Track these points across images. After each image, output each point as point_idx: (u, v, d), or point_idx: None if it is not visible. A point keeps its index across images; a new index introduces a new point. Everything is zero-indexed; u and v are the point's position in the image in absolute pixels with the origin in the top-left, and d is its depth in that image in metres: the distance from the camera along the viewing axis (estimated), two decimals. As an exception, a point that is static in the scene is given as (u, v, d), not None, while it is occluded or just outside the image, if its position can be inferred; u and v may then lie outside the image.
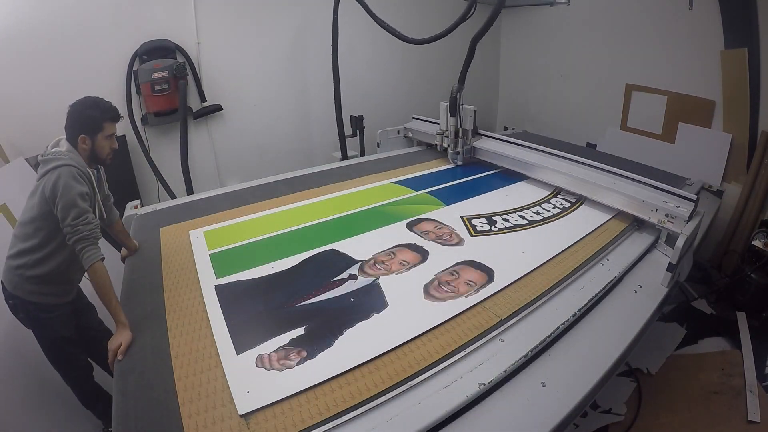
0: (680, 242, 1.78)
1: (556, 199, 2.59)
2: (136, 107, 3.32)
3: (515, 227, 2.24)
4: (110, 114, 1.78)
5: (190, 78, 3.45)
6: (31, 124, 2.81)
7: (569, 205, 2.51)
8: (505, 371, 1.33)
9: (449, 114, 3.13)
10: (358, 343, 1.44)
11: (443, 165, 3.26)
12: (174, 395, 1.25)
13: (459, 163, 3.20)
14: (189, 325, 1.55)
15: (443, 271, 1.87)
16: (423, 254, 2.01)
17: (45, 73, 2.89)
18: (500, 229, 2.22)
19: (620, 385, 2.39)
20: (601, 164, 2.54)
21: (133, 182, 3.44)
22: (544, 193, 2.69)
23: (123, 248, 2.13)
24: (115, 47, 3.14)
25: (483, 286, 1.75)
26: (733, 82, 3.18)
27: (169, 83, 3.25)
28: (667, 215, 2.08)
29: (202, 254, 2.04)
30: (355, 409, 1.20)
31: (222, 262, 1.96)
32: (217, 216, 2.44)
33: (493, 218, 2.34)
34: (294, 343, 1.45)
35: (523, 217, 2.35)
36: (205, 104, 3.61)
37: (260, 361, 1.37)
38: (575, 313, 1.60)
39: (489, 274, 1.84)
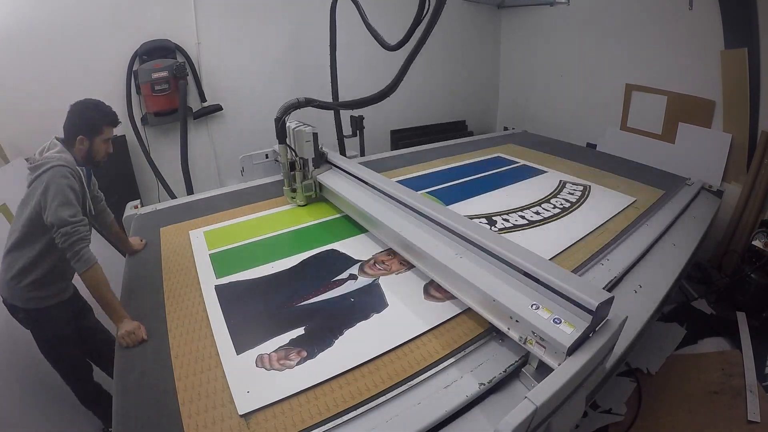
0: (507, 425, 0.98)
1: (557, 199, 2.59)
2: (136, 107, 3.32)
3: (515, 227, 2.24)
4: (110, 118, 1.79)
5: (190, 78, 3.45)
6: (31, 124, 2.81)
7: (570, 204, 2.51)
8: (505, 371, 1.33)
9: (278, 140, 2.49)
10: (358, 343, 1.44)
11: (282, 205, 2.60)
12: (174, 395, 1.25)
13: (299, 203, 2.57)
14: (189, 325, 1.55)
15: (443, 271, 1.86)
16: (423, 254, 2.01)
17: (45, 73, 2.89)
18: (500, 229, 2.22)
19: (620, 385, 2.39)
20: (474, 224, 1.76)
21: (133, 182, 3.44)
22: (545, 192, 2.69)
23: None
24: (115, 47, 3.14)
25: (483, 286, 1.74)
26: (733, 82, 3.18)
27: (169, 83, 3.25)
28: (534, 333, 1.28)
29: (202, 254, 2.04)
30: (355, 409, 1.20)
31: (222, 262, 1.96)
32: (217, 216, 2.44)
33: (493, 218, 2.34)
34: (294, 343, 1.45)
35: (523, 217, 2.35)
36: (205, 104, 3.61)
37: (260, 361, 1.37)
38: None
39: (489, 274, 1.83)
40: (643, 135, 3.94)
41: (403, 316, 1.59)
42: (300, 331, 1.51)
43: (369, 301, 1.67)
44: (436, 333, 1.49)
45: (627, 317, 1.32)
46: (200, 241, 2.16)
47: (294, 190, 2.58)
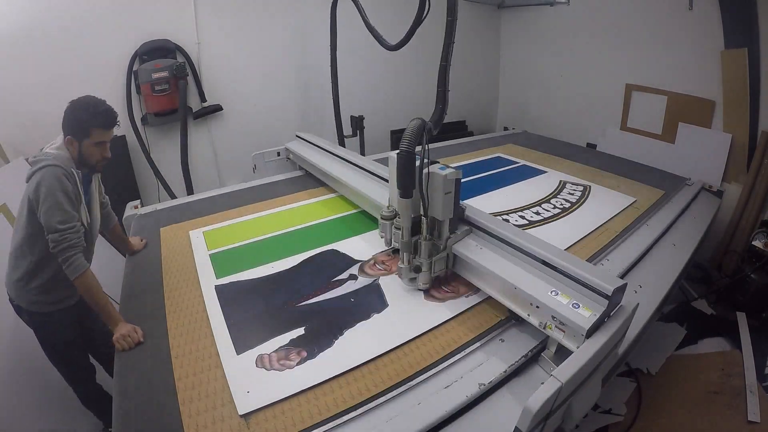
0: (536, 401, 1.02)
1: (557, 199, 2.59)
2: (136, 107, 3.32)
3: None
4: (100, 120, 1.62)
5: (190, 78, 3.45)
6: (32, 124, 2.81)
7: (570, 204, 2.51)
8: (505, 371, 1.33)
9: (399, 190, 1.57)
10: (358, 343, 1.44)
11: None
12: (174, 395, 1.25)
13: (422, 286, 1.70)
14: (189, 325, 1.55)
15: (443, 271, 1.85)
16: (423, 254, 2.00)
17: (45, 73, 2.88)
18: (500, 229, 2.21)
19: (620, 385, 2.39)
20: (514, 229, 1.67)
21: (133, 182, 3.44)
22: (545, 192, 2.69)
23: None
24: (115, 47, 3.14)
25: (483, 286, 1.74)
26: (733, 82, 3.18)
27: (169, 83, 3.24)
28: (554, 318, 1.33)
29: (202, 254, 2.04)
30: (355, 409, 1.20)
31: (222, 262, 1.96)
32: (217, 216, 2.44)
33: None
34: (294, 343, 1.45)
35: (523, 217, 2.35)
36: (205, 104, 3.61)
37: (260, 361, 1.37)
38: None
39: (489, 274, 1.83)
40: (643, 135, 3.93)
41: (403, 316, 1.59)
42: (300, 331, 1.51)
43: (369, 301, 1.67)
44: (436, 333, 1.50)
45: (638, 303, 1.36)
46: (200, 241, 2.16)
47: (417, 269, 1.67)
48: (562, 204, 2.52)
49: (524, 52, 5.11)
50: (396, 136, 4.72)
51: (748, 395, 2.25)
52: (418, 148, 1.52)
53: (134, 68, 3.21)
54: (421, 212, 1.63)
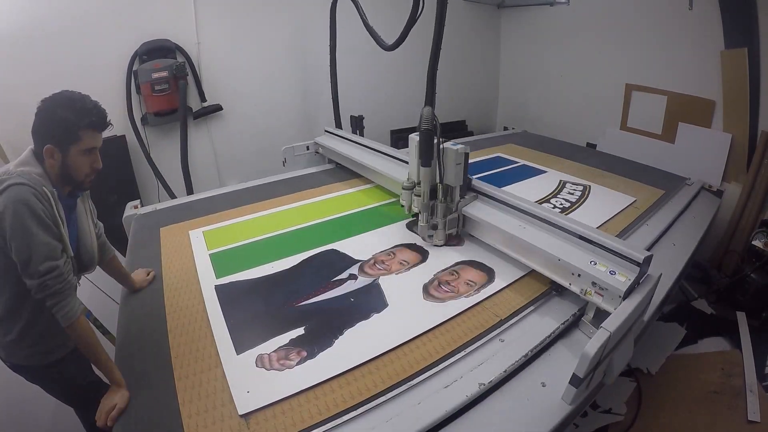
0: (592, 347, 1.19)
1: (556, 199, 2.59)
2: (136, 107, 3.32)
3: (515, 227, 2.24)
4: (89, 118, 1.25)
5: (190, 78, 3.45)
6: (31, 124, 2.81)
7: (570, 204, 2.51)
8: (505, 371, 1.34)
9: (419, 161, 1.97)
10: (358, 343, 1.44)
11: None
12: (174, 395, 1.25)
13: (437, 243, 2.08)
14: (189, 325, 1.55)
15: (443, 270, 1.87)
16: (423, 254, 2.02)
17: (45, 73, 2.88)
18: (500, 229, 2.22)
19: (620, 385, 2.39)
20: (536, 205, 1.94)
21: (133, 182, 3.44)
22: (545, 192, 2.69)
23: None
24: (115, 47, 3.14)
25: (483, 286, 1.76)
26: (733, 82, 3.18)
27: (169, 83, 3.24)
28: (594, 284, 1.53)
29: (202, 254, 2.04)
30: (355, 409, 1.20)
31: (222, 262, 1.96)
32: (217, 216, 2.44)
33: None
34: (294, 343, 1.45)
35: (523, 217, 2.35)
36: (205, 104, 3.61)
37: (260, 361, 1.37)
38: (575, 313, 1.61)
39: (489, 274, 1.84)
40: (643, 135, 3.93)
41: (403, 316, 1.59)
42: (300, 331, 1.51)
43: (369, 301, 1.67)
44: (436, 333, 1.50)
45: (662, 274, 1.54)
46: (200, 241, 2.16)
47: (434, 227, 2.06)
48: (562, 204, 2.52)
49: (524, 52, 5.11)
50: (396, 136, 4.71)
51: (748, 395, 2.25)
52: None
53: (134, 68, 3.21)
54: (437, 180, 2.01)
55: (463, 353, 1.40)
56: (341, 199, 2.67)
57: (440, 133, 1.91)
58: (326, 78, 3.72)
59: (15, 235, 1.14)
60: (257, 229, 2.29)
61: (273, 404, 1.21)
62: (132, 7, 3.14)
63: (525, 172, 3.11)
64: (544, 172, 3.10)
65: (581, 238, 1.67)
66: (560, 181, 2.90)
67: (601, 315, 1.49)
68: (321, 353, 1.40)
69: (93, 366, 1.40)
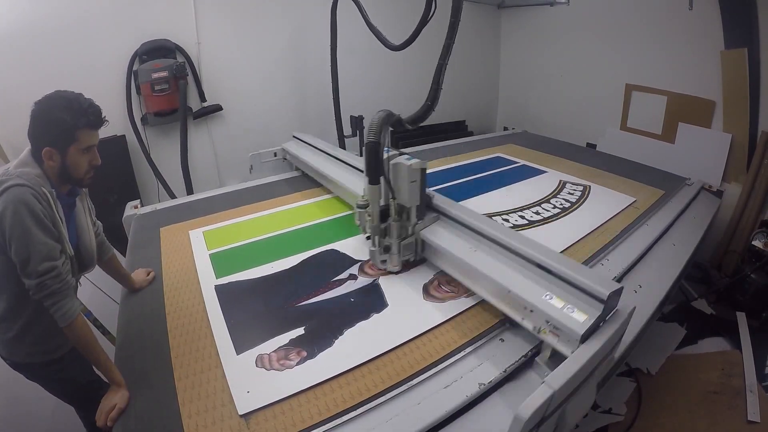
0: (527, 409, 0.99)
1: (556, 199, 2.59)
2: (136, 107, 3.32)
3: (515, 227, 2.23)
4: (86, 118, 1.27)
5: (190, 78, 3.45)
6: (31, 124, 2.81)
7: (569, 204, 2.51)
8: (505, 371, 1.33)
9: (366, 177, 1.75)
10: (358, 343, 1.44)
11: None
12: (174, 395, 1.25)
13: (392, 269, 1.84)
14: (189, 325, 1.55)
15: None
16: (423, 254, 2.01)
17: (45, 73, 2.88)
18: (500, 229, 2.21)
19: (620, 385, 2.39)
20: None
21: (133, 182, 3.44)
22: (545, 192, 2.69)
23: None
24: (115, 47, 3.14)
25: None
26: (733, 82, 3.18)
27: (169, 83, 3.24)
28: (548, 322, 1.32)
29: (202, 254, 2.04)
30: (355, 409, 1.20)
31: (222, 262, 1.96)
32: (217, 216, 2.44)
33: (493, 218, 2.33)
34: (294, 343, 1.45)
35: (523, 217, 2.34)
36: (205, 104, 3.61)
37: (260, 361, 1.37)
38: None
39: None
40: (643, 135, 3.94)
41: (403, 316, 1.59)
42: (300, 331, 1.51)
43: (369, 301, 1.67)
44: (436, 333, 1.49)
45: (635, 307, 1.34)
46: (200, 241, 2.16)
47: (386, 250, 1.78)
48: (561, 204, 2.52)
49: (524, 52, 5.11)
50: (396, 136, 4.72)
51: (748, 395, 2.26)
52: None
53: (134, 68, 3.21)
54: (390, 197, 1.75)
55: (463, 353, 1.40)
56: (341, 199, 2.67)
57: (390, 144, 1.69)
58: (326, 78, 3.72)
59: (14, 236, 1.16)
60: (257, 229, 2.29)
61: (273, 404, 1.21)
62: (132, 7, 3.14)
63: (525, 173, 3.11)
64: (544, 172, 3.10)
65: (538, 266, 1.43)
66: (560, 181, 2.90)
67: (559, 355, 1.28)
68: (321, 353, 1.40)
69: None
